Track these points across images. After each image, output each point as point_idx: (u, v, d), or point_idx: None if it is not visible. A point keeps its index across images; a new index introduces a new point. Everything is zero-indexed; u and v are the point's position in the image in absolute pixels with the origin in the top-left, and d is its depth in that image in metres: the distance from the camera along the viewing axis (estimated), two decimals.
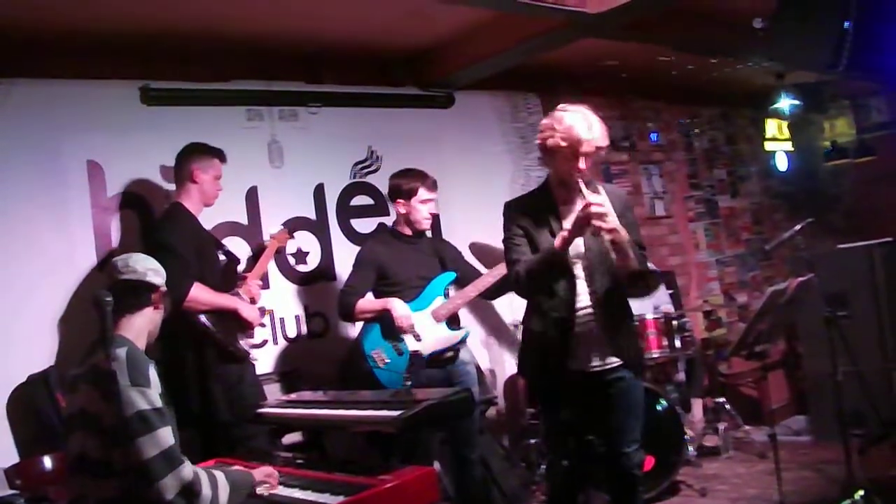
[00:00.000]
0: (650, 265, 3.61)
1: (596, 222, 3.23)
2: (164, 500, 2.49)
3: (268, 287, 5.14)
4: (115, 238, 4.67)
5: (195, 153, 4.39)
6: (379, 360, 4.54)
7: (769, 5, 4.35)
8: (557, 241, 3.37)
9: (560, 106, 3.50)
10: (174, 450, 2.55)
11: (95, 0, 4.08)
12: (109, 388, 2.47)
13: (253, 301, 4.46)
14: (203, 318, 4.12)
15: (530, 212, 3.59)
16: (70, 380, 2.77)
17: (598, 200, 3.26)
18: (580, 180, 3.40)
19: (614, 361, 3.51)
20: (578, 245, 3.44)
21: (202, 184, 4.34)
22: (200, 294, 4.06)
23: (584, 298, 3.48)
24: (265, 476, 2.96)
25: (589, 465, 3.72)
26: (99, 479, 2.58)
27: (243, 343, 4.31)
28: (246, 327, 4.33)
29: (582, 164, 3.40)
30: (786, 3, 4.32)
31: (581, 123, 3.38)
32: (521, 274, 3.44)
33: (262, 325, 4.76)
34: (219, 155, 4.45)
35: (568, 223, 3.45)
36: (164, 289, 2.90)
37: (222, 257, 4.50)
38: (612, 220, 3.27)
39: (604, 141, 3.43)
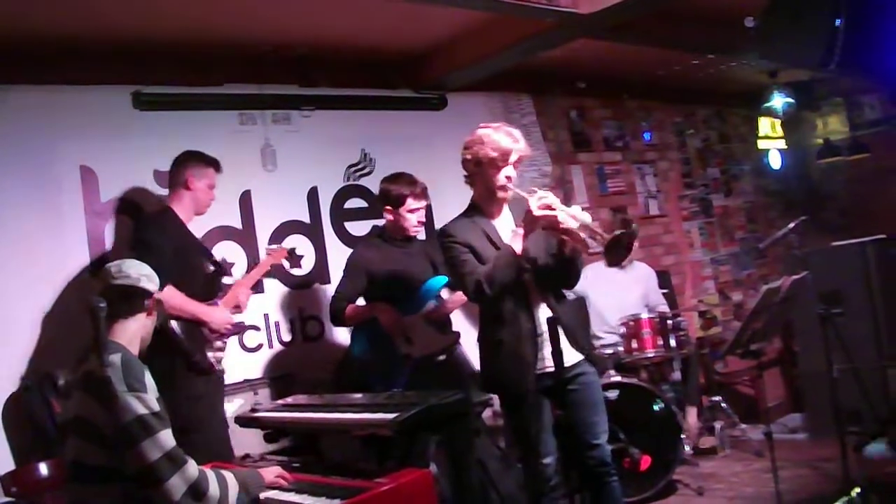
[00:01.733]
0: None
1: (545, 212, 3.39)
2: (173, 502, 2.51)
3: (262, 291, 5.15)
4: (108, 243, 4.66)
5: (191, 160, 4.38)
6: (368, 363, 4.53)
7: (761, 4, 4.35)
8: (514, 242, 3.48)
9: (480, 126, 3.71)
10: (177, 450, 2.57)
11: (87, 6, 4.07)
12: (105, 394, 2.47)
13: (238, 309, 4.43)
14: (174, 324, 4.07)
15: (467, 231, 3.66)
16: (64, 386, 2.77)
17: (543, 195, 3.44)
18: (511, 187, 3.59)
19: (574, 359, 3.62)
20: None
21: (196, 191, 4.34)
22: (171, 297, 3.97)
23: (539, 303, 3.61)
24: (276, 476, 2.98)
25: (569, 464, 3.73)
26: (99, 485, 2.58)
27: (211, 356, 4.23)
28: (212, 339, 4.23)
29: (511, 171, 3.60)
30: (777, 2, 4.32)
31: (505, 135, 3.61)
32: (483, 282, 3.47)
33: (230, 332, 4.46)
34: (214, 164, 4.45)
35: (504, 233, 3.63)
36: (157, 295, 2.90)
37: (211, 267, 4.44)
38: (562, 209, 3.41)
39: (528, 150, 3.69)
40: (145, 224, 4.35)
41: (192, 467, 2.57)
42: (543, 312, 3.59)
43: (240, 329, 4.75)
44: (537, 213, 3.39)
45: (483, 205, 3.73)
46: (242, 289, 4.51)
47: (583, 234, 3.40)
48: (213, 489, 2.60)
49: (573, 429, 3.64)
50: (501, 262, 3.46)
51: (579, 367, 3.65)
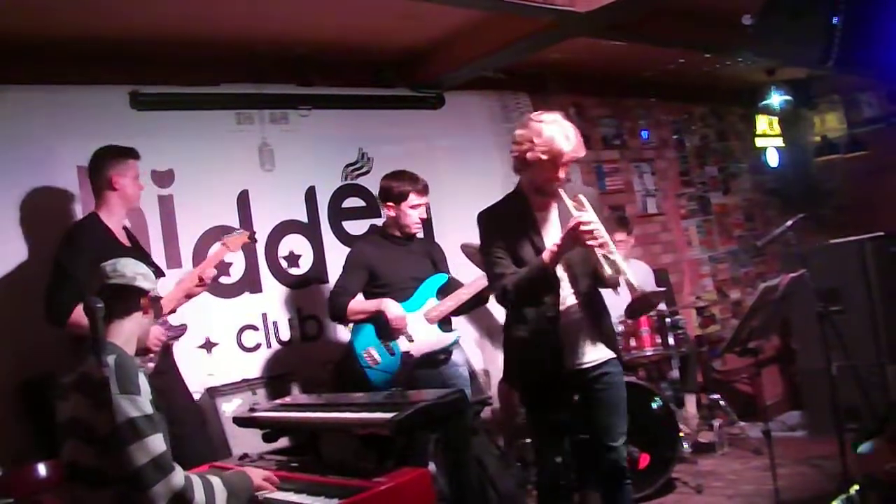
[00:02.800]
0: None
1: (587, 240, 3.26)
2: None
3: (261, 291, 5.16)
4: None
5: (108, 158, 4.09)
6: (370, 359, 4.53)
7: (758, 2, 4.35)
8: (546, 256, 3.38)
9: (534, 115, 3.52)
10: (165, 457, 2.53)
11: (84, 6, 4.07)
12: (100, 395, 2.46)
13: (172, 311, 4.15)
14: None
15: (507, 222, 3.59)
16: (61, 387, 2.75)
17: (587, 218, 3.29)
18: (563, 192, 3.46)
19: (601, 357, 3.56)
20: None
21: (122, 188, 4.07)
22: (82, 317, 3.46)
23: (570, 299, 3.54)
24: (264, 479, 2.95)
25: (584, 464, 3.73)
26: (93, 488, 2.57)
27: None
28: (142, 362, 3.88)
29: (562, 174, 3.44)
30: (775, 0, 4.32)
31: (560, 135, 3.38)
32: (509, 289, 3.43)
33: (161, 344, 4.00)
34: (132, 154, 4.16)
35: (546, 231, 3.54)
36: (153, 293, 2.88)
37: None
38: (602, 234, 3.29)
39: (581, 150, 3.45)
40: (61, 242, 4.00)
41: (178, 476, 2.54)
42: (572, 310, 3.54)
43: (179, 333, 4.35)
44: (576, 230, 3.27)
45: (528, 194, 3.62)
46: (182, 287, 4.21)
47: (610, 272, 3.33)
48: (199, 498, 2.57)
49: (591, 429, 3.63)
50: (532, 275, 3.39)
51: (605, 367, 3.58)
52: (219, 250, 4.46)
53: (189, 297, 4.24)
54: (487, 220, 3.65)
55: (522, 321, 3.56)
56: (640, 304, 3.38)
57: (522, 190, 3.66)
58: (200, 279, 4.22)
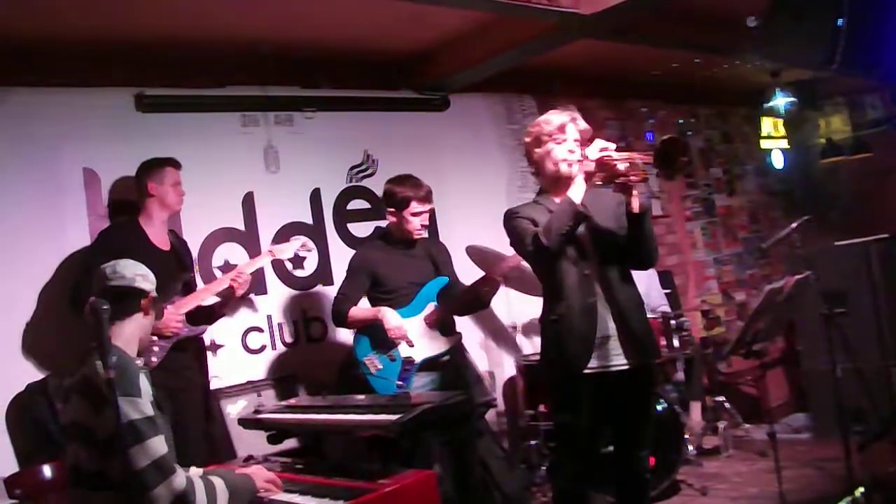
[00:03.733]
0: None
1: (602, 153, 3.33)
2: None
3: (266, 293, 5.17)
4: None
5: (145, 169, 4.38)
6: (371, 366, 4.53)
7: (763, 4, 4.35)
8: (573, 193, 3.36)
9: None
10: (166, 459, 2.53)
11: (89, 8, 4.08)
12: (101, 398, 2.47)
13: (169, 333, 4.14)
14: None
15: (531, 210, 3.61)
16: (63, 390, 2.76)
17: (598, 142, 3.39)
18: (572, 160, 3.50)
19: (634, 361, 3.50)
20: (586, 244, 3.48)
21: (159, 195, 4.33)
22: None
23: (601, 302, 3.48)
24: (267, 481, 2.95)
25: (598, 467, 3.70)
26: (95, 491, 2.57)
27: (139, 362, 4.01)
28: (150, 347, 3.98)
29: (573, 146, 3.53)
30: (779, 2, 4.32)
31: (561, 112, 3.61)
32: (540, 234, 3.38)
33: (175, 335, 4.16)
34: (170, 163, 4.41)
35: None
36: (153, 294, 2.88)
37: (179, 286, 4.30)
38: (619, 155, 3.35)
39: (585, 125, 3.62)
40: (96, 240, 4.31)
41: (180, 478, 2.54)
42: (602, 303, 3.49)
43: (199, 332, 4.42)
44: (594, 156, 3.33)
45: (550, 188, 3.65)
46: (204, 293, 4.37)
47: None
48: (201, 499, 2.57)
49: (618, 435, 3.60)
50: (559, 210, 3.38)
51: (636, 373, 3.51)
52: (262, 257, 4.69)
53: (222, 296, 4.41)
54: (512, 211, 3.66)
55: (561, 312, 3.49)
56: (664, 154, 3.31)
57: (543, 188, 3.72)
58: (232, 286, 4.37)
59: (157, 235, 4.34)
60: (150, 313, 2.88)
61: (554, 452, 3.91)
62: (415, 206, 4.57)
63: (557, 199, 3.52)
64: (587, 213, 3.41)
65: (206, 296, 4.36)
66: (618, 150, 3.39)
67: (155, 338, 4.03)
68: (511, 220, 3.59)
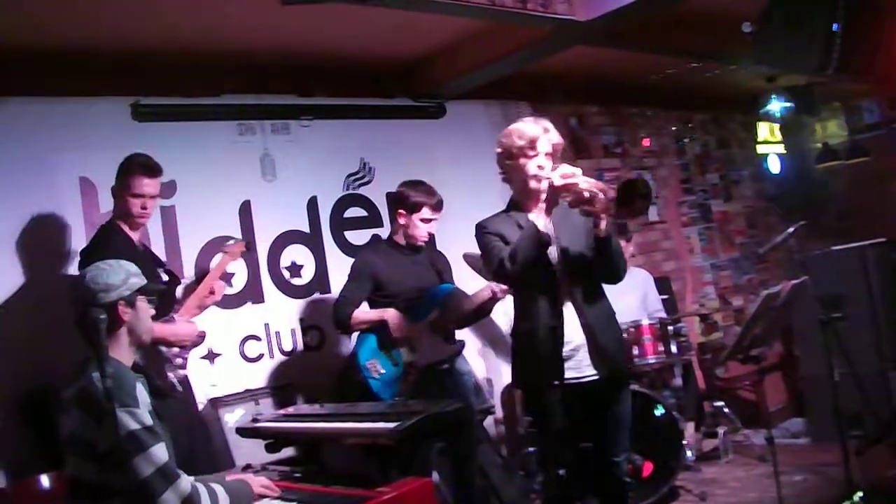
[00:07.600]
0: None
1: (566, 180, 3.29)
2: None
3: (262, 301, 5.16)
4: None
5: (119, 169, 4.19)
6: (374, 370, 4.53)
7: (758, 9, 4.36)
8: (537, 219, 3.37)
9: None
10: (170, 465, 2.55)
11: (85, 17, 4.08)
12: (99, 411, 2.48)
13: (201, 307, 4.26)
14: None
15: (500, 223, 3.63)
16: (61, 401, 2.75)
17: (564, 167, 3.35)
18: (542, 176, 3.48)
19: (604, 373, 3.52)
20: (554, 254, 3.49)
21: (120, 202, 4.15)
22: None
23: (570, 312, 3.50)
24: (263, 488, 2.95)
25: (584, 474, 3.71)
26: (95, 503, 2.57)
27: (172, 376, 4.02)
28: (172, 357, 4.04)
29: (543, 161, 3.52)
30: (774, 7, 4.33)
31: (533, 125, 3.59)
32: (505, 258, 3.41)
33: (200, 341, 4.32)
34: (139, 170, 4.17)
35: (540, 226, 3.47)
36: (124, 297, 2.82)
37: (164, 277, 4.26)
38: (584, 182, 3.29)
39: (558, 139, 3.60)
40: (90, 243, 4.16)
41: (185, 482, 2.56)
42: (572, 316, 3.51)
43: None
44: (558, 182, 3.30)
45: (520, 200, 3.66)
46: (197, 298, 4.28)
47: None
48: (206, 503, 2.59)
49: (594, 442, 3.60)
50: (524, 236, 3.39)
51: (609, 382, 3.54)
52: (222, 260, 4.50)
53: (201, 308, 4.28)
54: (481, 225, 3.68)
55: (526, 328, 3.54)
56: (626, 192, 3.33)
57: (514, 198, 3.73)
58: (212, 290, 4.28)
59: (135, 237, 4.19)
60: (136, 312, 2.84)
61: (538, 462, 3.93)
62: (426, 213, 4.61)
63: (529, 214, 3.49)
64: (549, 240, 3.42)
65: (193, 308, 4.26)
66: (584, 173, 3.35)
67: (176, 349, 4.05)
68: (482, 238, 3.64)
